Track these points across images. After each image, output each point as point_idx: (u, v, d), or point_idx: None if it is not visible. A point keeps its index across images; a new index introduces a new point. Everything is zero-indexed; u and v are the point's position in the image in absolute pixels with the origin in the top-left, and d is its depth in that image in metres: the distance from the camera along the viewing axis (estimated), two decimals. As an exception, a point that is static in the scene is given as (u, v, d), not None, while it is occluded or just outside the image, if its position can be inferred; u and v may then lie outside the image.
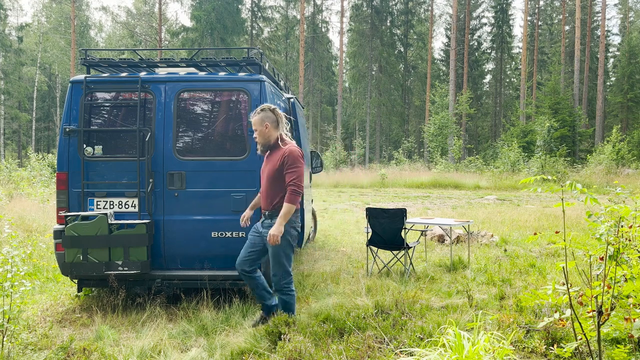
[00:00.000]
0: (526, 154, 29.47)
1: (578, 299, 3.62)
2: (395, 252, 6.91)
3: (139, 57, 5.98)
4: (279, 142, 4.46)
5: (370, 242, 6.92)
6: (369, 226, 6.89)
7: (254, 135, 4.50)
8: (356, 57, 45.92)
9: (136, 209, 5.24)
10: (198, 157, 5.33)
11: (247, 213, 4.81)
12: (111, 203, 5.27)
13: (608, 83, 48.38)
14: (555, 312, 3.70)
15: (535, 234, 3.86)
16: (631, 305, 3.57)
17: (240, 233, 5.25)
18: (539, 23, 50.30)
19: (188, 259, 5.30)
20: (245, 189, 5.24)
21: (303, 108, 9.59)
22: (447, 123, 34.51)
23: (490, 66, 52.18)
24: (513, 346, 3.96)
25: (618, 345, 3.66)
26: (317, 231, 10.01)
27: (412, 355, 3.46)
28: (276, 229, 4.28)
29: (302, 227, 6.71)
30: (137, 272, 5.01)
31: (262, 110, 4.44)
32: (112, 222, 5.02)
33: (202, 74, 5.72)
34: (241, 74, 5.62)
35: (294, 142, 4.54)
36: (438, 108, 36.58)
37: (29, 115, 45.41)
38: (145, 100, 5.34)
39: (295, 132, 6.58)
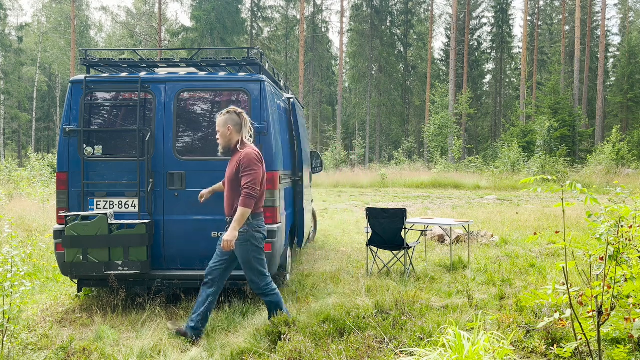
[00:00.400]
0: (526, 154, 29.47)
1: (578, 299, 3.62)
2: (395, 252, 6.91)
3: (139, 57, 5.98)
4: (238, 146, 4.39)
5: (370, 242, 6.92)
6: (369, 226, 6.89)
7: (217, 137, 4.45)
8: (356, 57, 45.92)
9: (136, 209, 5.24)
10: (198, 157, 5.33)
11: (205, 192, 4.81)
12: (111, 203, 5.27)
13: (608, 83, 48.38)
14: (555, 312, 3.70)
15: (535, 234, 3.86)
16: (631, 305, 3.57)
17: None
18: (539, 23, 50.30)
19: (188, 259, 5.30)
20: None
21: (303, 108, 9.59)
22: (447, 123, 34.51)
23: (490, 66, 52.19)
24: (513, 346, 3.96)
25: (618, 345, 3.66)
26: (317, 231, 10.01)
27: (412, 355, 3.46)
28: (229, 234, 4.21)
29: (302, 227, 6.72)
30: (137, 272, 5.01)
31: (227, 112, 4.39)
32: (112, 222, 5.02)
33: (202, 74, 5.72)
34: (241, 74, 5.62)
35: (253, 146, 4.46)
36: (438, 108, 36.58)
37: (29, 115, 45.41)
38: (145, 100, 5.34)
39: (295, 132, 6.58)
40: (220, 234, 5.29)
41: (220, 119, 4.41)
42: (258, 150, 4.42)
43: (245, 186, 4.23)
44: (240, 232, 4.30)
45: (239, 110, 4.45)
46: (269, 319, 4.55)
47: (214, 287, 4.49)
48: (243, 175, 4.26)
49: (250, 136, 4.49)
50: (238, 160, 4.32)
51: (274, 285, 4.54)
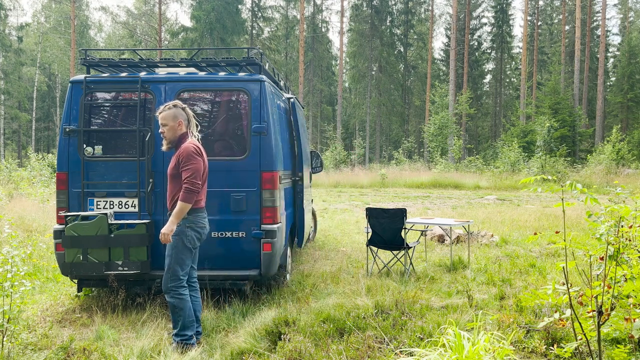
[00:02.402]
0: (526, 154, 29.46)
1: (578, 299, 3.62)
2: (395, 252, 6.91)
3: (139, 57, 5.98)
4: (181, 140, 4.30)
5: (370, 242, 6.92)
6: (369, 226, 6.89)
7: (161, 131, 4.30)
8: (356, 57, 45.92)
9: (136, 209, 5.24)
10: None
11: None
12: (111, 203, 5.27)
13: (608, 83, 48.37)
14: (555, 312, 3.70)
15: (535, 234, 3.86)
16: (631, 305, 3.57)
17: (240, 233, 5.25)
18: (539, 23, 50.30)
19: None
20: (245, 188, 5.24)
21: (303, 108, 9.59)
22: (447, 123, 34.51)
23: (490, 66, 52.19)
24: (513, 346, 3.96)
25: (618, 345, 3.66)
26: (317, 231, 10.01)
27: (412, 355, 3.46)
28: (166, 227, 4.14)
29: (302, 227, 6.72)
30: (137, 272, 5.01)
31: (174, 105, 4.30)
32: (112, 222, 5.02)
33: (202, 74, 5.72)
34: (241, 74, 5.62)
35: (194, 140, 4.33)
36: (438, 108, 36.57)
37: (29, 115, 45.41)
38: (145, 100, 5.34)
39: (295, 132, 6.58)
40: (220, 235, 5.30)
41: (167, 112, 4.26)
42: (198, 145, 4.31)
43: (185, 180, 4.14)
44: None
45: (183, 104, 4.37)
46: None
47: (189, 286, 4.41)
48: (183, 169, 4.18)
49: (187, 134, 4.32)
50: (178, 154, 4.24)
51: (185, 292, 4.24)
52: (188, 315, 4.23)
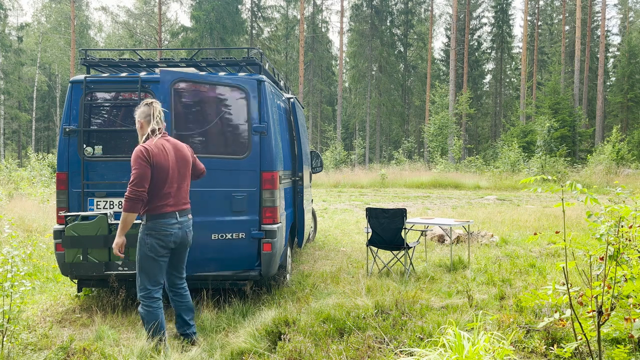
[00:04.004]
0: (526, 154, 29.47)
1: (578, 299, 3.62)
2: (395, 252, 6.91)
3: (139, 57, 5.99)
4: (146, 141, 4.02)
5: (370, 242, 6.92)
6: (369, 226, 6.89)
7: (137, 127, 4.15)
8: (356, 57, 45.91)
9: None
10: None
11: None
12: (111, 203, 5.27)
13: (608, 83, 48.38)
14: (555, 312, 3.70)
15: (535, 234, 3.86)
16: (631, 305, 3.57)
17: (240, 234, 5.25)
18: (539, 23, 50.30)
19: (188, 259, 5.29)
20: (245, 188, 5.24)
21: (303, 108, 9.59)
22: (447, 123, 34.51)
23: (490, 66, 52.19)
24: (513, 346, 3.96)
25: (618, 345, 3.66)
26: (317, 231, 10.01)
27: (412, 355, 3.46)
28: (115, 240, 3.94)
29: (302, 227, 6.72)
30: (137, 272, 5.00)
31: (144, 104, 4.08)
32: (112, 222, 5.01)
33: (202, 74, 5.71)
34: (241, 74, 5.62)
35: (152, 141, 4.00)
36: (438, 108, 36.57)
37: (29, 115, 45.42)
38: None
39: (295, 132, 6.58)
40: (220, 235, 5.30)
41: (136, 112, 4.11)
42: (150, 147, 3.94)
43: (128, 187, 3.85)
44: (138, 232, 4.07)
45: (152, 100, 4.13)
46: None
47: (171, 293, 4.34)
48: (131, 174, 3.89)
49: (153, 131, 4.04)
50: None
51: (154, 304, 4.04)
52: (153, 327, 4.03)
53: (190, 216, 4.25)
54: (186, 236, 4.17)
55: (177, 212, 4.08)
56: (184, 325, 4.33)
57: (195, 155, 4.39)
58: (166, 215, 4.02)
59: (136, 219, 4.01)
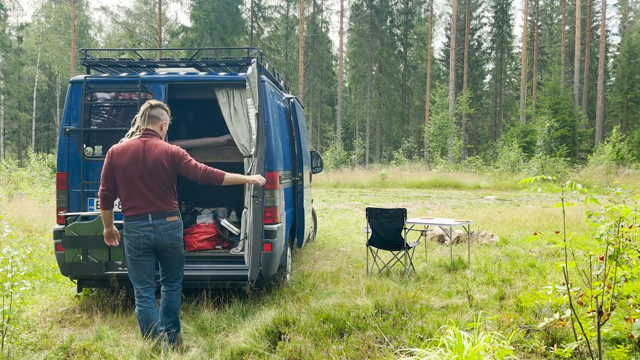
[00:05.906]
0: (526, 154, 29.46)
1: (578, 299, 3.62)
2: (395, 252, 6.91)
3: (138, 57, 5.98)
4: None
5: (370, 242, 6.92)
6: (369, 226, 6.89)
7: None
8: (356, 57, 45.90)
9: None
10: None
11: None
12: (111, 203, 5.26)
13: (608, 83, 48.34)
14: (555, 312, 3.70)
15: (535, 234, 3.86)
16: (631, 305, 3.57)
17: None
18: (539, 23, 50.28)
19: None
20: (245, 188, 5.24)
21: (303, 108, 9.59)
22: (447, 123, 34.51)
23: (490, 66, 52.18)
24: (513, 346, 3.96)
25: (618, 346, 3.66)
26: (317, 231, 10.01)
27: (412, 355, 3.46)
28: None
29: (302, 227, 6.72)
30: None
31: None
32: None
33: (202, 74, 5.72)
34: (241, 74, 5.62)
35: (122, 140, 4.06)
36: (438, 108, 36.57)
37: (29, 115, 45.41)
38: (145, 100, 5.33)
39: (295, 132, 6.58)
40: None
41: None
42: (113, 146, 4.00)
43: None
44: None
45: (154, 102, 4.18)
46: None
47: (162, 292, 4.30)
48: None
49: (133, 132, 4.06)
50: None
51: (141, 304, 4.04)
52: (146, 327, 4.04)
53: (170, 219, 4.02)
54: (162, 239, 3.98)
55: (149, 214, 3.94)
56: (161, 323, 4.22)
57: (188, 160, 4.08)
58: (135, 217, 3.96)
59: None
